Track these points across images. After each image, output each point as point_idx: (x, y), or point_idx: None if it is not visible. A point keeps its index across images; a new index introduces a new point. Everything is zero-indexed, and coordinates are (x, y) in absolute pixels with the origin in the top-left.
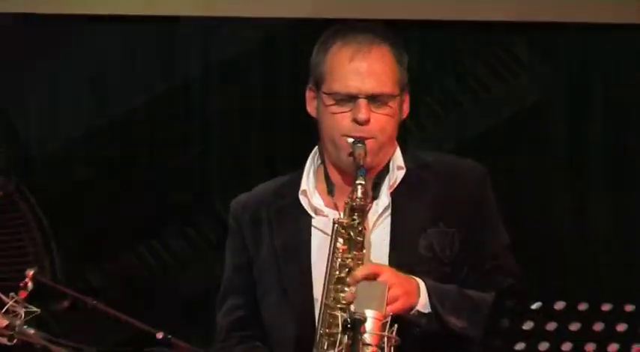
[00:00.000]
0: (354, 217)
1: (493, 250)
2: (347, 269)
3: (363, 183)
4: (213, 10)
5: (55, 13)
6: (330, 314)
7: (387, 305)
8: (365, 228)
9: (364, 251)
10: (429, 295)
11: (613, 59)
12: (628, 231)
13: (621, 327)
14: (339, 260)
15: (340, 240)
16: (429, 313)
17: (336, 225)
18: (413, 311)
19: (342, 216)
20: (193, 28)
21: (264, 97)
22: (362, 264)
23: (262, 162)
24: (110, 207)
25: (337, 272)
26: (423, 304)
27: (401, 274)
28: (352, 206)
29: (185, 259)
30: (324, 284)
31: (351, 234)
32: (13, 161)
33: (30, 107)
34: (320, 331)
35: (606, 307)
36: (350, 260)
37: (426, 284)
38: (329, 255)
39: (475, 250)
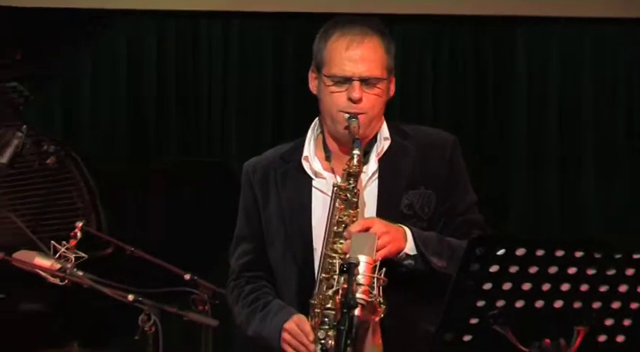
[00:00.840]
0: (350, 181)
1: (463, 207)
2: (343, 225)
3: (359, 153)
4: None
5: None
6: (329, 262)
7: (377, 251)
8: (359, 190)
9: (358, 209)
10: (414, 240)
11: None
12: (576, 192)
13: (572, 270)
14: (337, 217)
15: (338, 200)
16: (414, 255)
17: (336, 189)
18: (402, 254)
19: (340, 180)
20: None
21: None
22: (356, 220)
23: (270, 131)
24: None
25: (335, 228)
26: (410, 247)
27: (390, 224)
28: (349, 172)
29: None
30: (324, 238)
31: (348, 195)
32: (66, 133)
33: (82, 93)
34: (320, 276)
35: (559, 253)
36: (346, 217)
37: (411, 230)
38: (329, 213)
39: (449, 207)
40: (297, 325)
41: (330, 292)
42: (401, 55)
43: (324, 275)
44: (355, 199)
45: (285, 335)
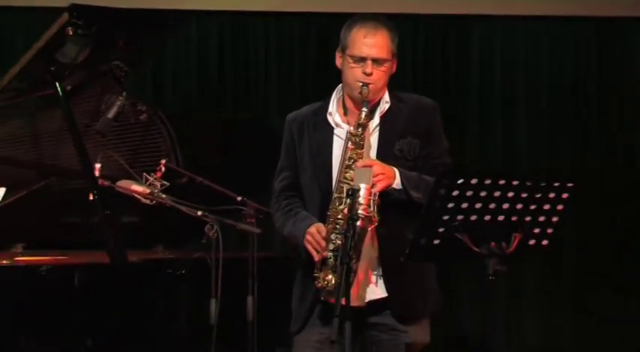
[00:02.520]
0: (359, 129)
1: (438, 152)
2: (352, 161)
3: (366, 110)
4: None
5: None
6: (341, 186)
7: (374, 184)
8: (365, 137)
9: (363, 150)
10: (400, 178)
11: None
12: (513, 138)
13: (510, 194)
14: (348, 154)
15: (350, 142)
16: (399, 189)
17: (349, 134)
18: (391, 188)
19: (352, 128)
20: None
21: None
22: (362, 158)
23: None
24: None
25: (347, 162)
26: (397, 183)
27: (385, 165)
28: (359, 123)
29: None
30: (339, 168)
31: (357, 139)
32: (154, 97)
33: (165, 68)
34: (335, 195)
35: (502, 182)
36: (355, 155)
37: (399, 170)
38: (343, 151)
39: (428, 152)
40: (316, 229)
41: (341, 207)
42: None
43: (337, 195)
44: (362, 142)
45: (307, 236)
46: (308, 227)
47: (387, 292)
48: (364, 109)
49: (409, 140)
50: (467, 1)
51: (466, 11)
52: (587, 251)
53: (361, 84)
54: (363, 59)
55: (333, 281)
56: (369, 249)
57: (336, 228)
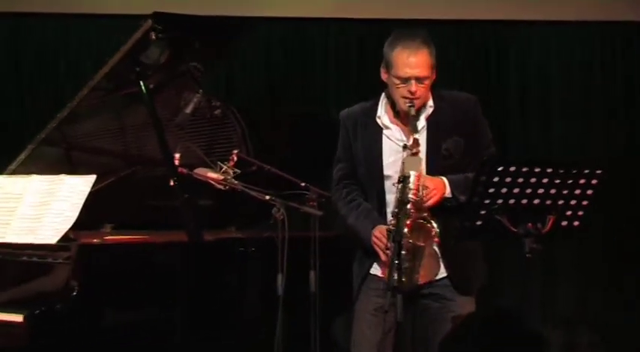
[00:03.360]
0: (413, 141)
1: (484, 144)
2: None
3: (412, 127)
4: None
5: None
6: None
7: (429, 198)
8: (418, 152)
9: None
10: (450, 187)
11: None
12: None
13: (545, 180)
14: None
15: (405, 153)
16: (450, 197)
17: (404, 146)
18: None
19: (409, 145)
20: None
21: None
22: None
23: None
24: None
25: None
26: (448, 192)
27: (434, 178)
28: (410, 145)
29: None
30: (391, 168)
31: (414, 150)
32: (227, 94)
33: (236, 69)
34: (389, 188)
35: (537, 169)
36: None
37: (448, 180)
38: (401, 165)
39: (475, 146)
40: (380, 232)
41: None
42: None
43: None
44: (417, 151)
45: (374, 239)
46: (372, 228)
47: (445, 268)
48: (412, 128)
49: (455, 139)
50: (504, 8)
51: (503, 17)
52: (618, 231)
53: (408, 102)
54: (407, 80)
55: (395, 277)
56: (430, 245)
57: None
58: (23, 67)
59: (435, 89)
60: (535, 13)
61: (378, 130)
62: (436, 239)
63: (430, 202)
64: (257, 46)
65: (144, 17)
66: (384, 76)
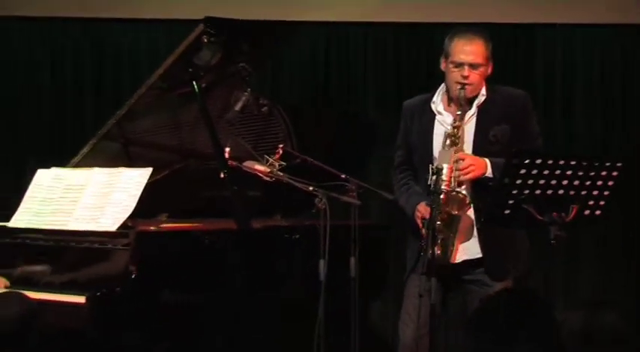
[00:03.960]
0: (455, 130)
1: (530, 136)
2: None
3: (461, 113)
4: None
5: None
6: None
7: (466, 173)
8: (460, 136)
9: (458, 146)
10: (491, 168)
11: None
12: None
13: (569, 172)
14: (445, 148)
15: (448, 141)
16: (491, 177)
17: (447, 134)
18: (484, 176)
19: (450, 130)
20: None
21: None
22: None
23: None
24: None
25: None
26: (489, 172)
27: (477, 157)
28: (454, 126)
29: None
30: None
31: (454, 139)
32: (273, 92)
33: (283, 69)
34: (431, 169)
35: (562, 162)
36: (454, 151)
37: (491, 162)
38: (443, 140)
39: (521, 137)
40: (423, 207)
41: (430, 183)
42: None
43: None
44: (458, 141)
45: (417, 213)
46: (417, 204)
47: (482, 252)
48: (459, 113)
49: (502, 127)
50: (532, 11)
51: (531, 20)
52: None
53: (459, 86)
54: (461, 65)
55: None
56: (467, 219)
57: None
58: (86, 68)
59: (489, 83)
60: (560, 16)
61: (431, 117)
62: (469, 207)
63: (468, 176)
64: (301, 48)
65: (197, 22)
66: (442, 65)
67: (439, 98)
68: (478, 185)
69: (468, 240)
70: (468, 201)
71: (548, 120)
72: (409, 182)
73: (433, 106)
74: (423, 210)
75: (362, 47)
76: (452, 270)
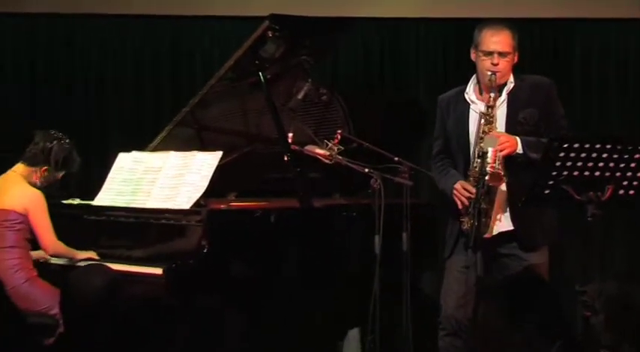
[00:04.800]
0: (489, 110)
1: (556, 118)
2: (484, 133)
3: (493, 95)
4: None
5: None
6: (476, 149)
7: (502, 149)
8: (494, 115)
9: (493, 124)
10: (522, 144)
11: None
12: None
13: (605, 154)
14: (481, 129)
15: (483, 120)
16: (522, 153)
17: (481, 113)
18: (515, 152)
19: (484, 109)
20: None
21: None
22: (491, 131)
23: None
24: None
25: (480, 134)
26: (519, 148)
27: (509, 135)
28: (488, 105)
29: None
30: (475, 139)
31: (488, 118)
32: (332, 82)
33: (339, 60)
34: (473, 157)
35: (598, 145)
36: (487, 129)
37: (521, 138)
38: (477, 127)
39: (548, 118)
40: (461, 185)
41: (476, 168)
42: None
43: (474, 156)
44: (491, 119)
45: (455, 191)
46: (454, 183)
47: (513, 226)
48: (492, 95)
49: (530, 110)
50: (572, 7)
51: (571, 15)
52: None
53: (490, 73)
54: (490, 53)
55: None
56: (501, 193)
57: (474, 184)
58: (163, 62)
59: (516, 72)
60: (596, 11)
61: (466, 106)
62: (503, 180)
63: (503, 152)
64: (356, 42)
65: (262, 19)
66: (472, 56)
67: (471, 88)
68: (509, 160)
69: (504, 212)
70: (502, 174)
71: (584, 106)
72: (447, 167)
73: (467, 96)
74: (459, 187)
75: (413, 40)
76: (490, 245)
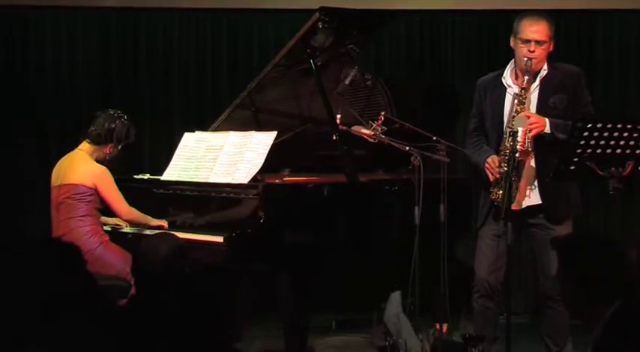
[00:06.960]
0: (522, 92)
1: (583, 104)
2: (517, 113)
3: (528, 78)
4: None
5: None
6: (509, 130)
7: (531, 129)
8: (526, 97)
9: (525, 105)
10: (550, 125)
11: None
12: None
13: (626, 134)
14: (514, 109)
15: (516, 101)
16: (550, 133)
17: (515, 94)
18: (543, 132)
19: (517, 91)
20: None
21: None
22: (524, 111)
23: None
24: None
25: (513, 114)
26: (547, 129)
27: (539, 116)
28: (522, 87)
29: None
30: (508, 118)
31: (521, 98)
32: (376, 69)
33: (381, 50)
34: (505, 134)
35: (619, 125)
36: (520, 109)
37: (550, 121)
38: (510, 106)
39: (576, 104)
40: (492, 159)
41: (507, 145)
42: None
43: (505, 136)
44: (524, 100)
45: (486, 164)
46: (487, 158)
47: (541, 200)
48: (526, 77)
49: (560, 96)
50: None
51: (593, 6)
52: None
53: (526, 59)
54: (528, 41)
55: (501, 194)
56: (529, 169)
57: (505, 159)
58: (223, 50)
59: (550, 61)
60: (617, 2)
61: (503, 89)
62: (532, 156)
63: (533, 132)
64: (399, 32)
65: (313, 11)
66: (512, 43)
67: (508, 73)
68: (538, 139)
69: (532, 187)
70: (531, 150)
71: (606, 90)
72: (481, 143)
73: (504, 80)
74: (491, 161)
75: (450, 30)
76: (519, 216)
